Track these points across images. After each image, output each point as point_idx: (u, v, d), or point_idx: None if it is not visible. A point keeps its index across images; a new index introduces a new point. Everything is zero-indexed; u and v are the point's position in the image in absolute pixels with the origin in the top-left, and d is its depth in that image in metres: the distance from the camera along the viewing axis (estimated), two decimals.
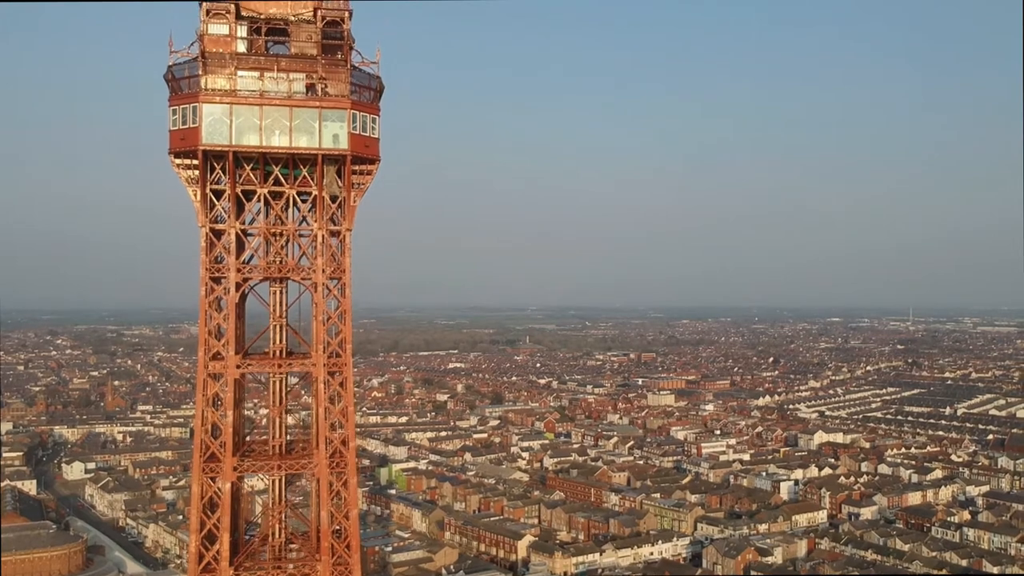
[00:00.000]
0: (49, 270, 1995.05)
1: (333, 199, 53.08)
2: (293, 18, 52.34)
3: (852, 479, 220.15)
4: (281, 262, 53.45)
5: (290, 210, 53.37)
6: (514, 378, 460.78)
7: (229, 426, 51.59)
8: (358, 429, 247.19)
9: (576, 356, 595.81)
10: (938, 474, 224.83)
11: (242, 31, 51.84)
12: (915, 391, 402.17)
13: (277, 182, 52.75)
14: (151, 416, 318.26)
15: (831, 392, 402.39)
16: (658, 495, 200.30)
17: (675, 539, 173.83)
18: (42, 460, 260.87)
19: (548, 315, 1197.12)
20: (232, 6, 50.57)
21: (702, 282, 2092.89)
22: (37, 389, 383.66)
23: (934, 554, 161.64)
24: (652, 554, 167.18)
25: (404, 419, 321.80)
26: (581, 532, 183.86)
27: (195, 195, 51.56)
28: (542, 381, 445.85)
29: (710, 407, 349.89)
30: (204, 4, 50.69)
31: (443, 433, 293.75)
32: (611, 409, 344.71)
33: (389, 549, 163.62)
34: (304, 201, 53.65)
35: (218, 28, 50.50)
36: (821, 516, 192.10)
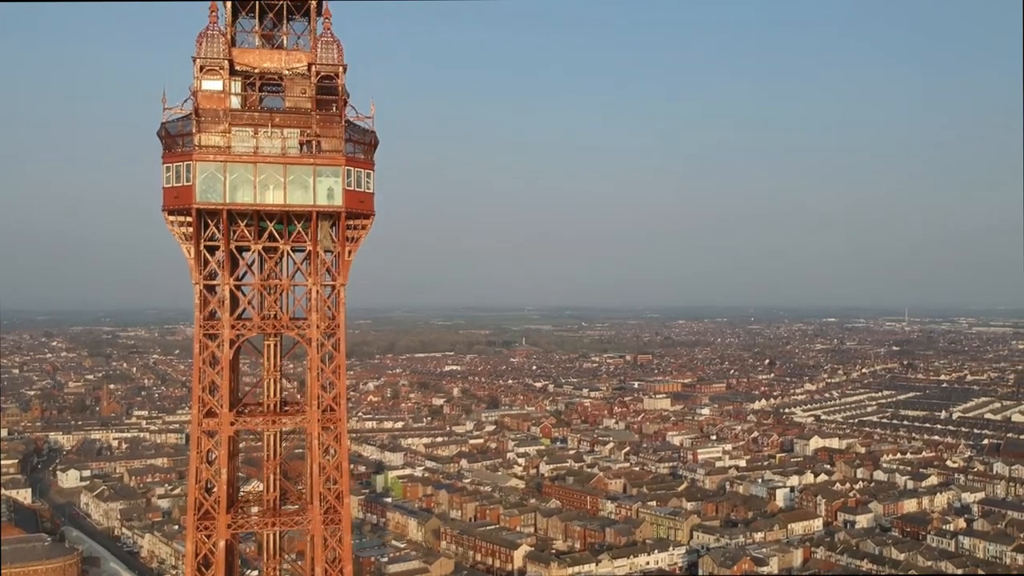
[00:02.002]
0: (48, 270, 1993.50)
1: (327, 254, 52.83)
2: (287, 72, 52.11)
3: (848, 485, 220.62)
4: (276, 316, 53.20)
5: (284, 265, 53.11)
6: (510, 381, 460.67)
7: (223, 484, 51.27)
8: (353, 435, 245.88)
9: (572, 358, 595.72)
10: (933, 480, 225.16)
11: (236, 87, 51.62)
12: (910, 394, 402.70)
13: (271, 238, 52.57)
14: (146, 422, 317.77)
15: (827, 395, 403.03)
16: (654, 503, 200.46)
17: (671, 548, 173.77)
18: (37, 467, 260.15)
19: (545, 315, 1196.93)
20: (226, 62, 50.32)
21: (699, 282, 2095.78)
22: (32, 393, 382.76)
23: (929, 563, 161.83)
24: (648, 564, 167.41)
25: (400, 424, 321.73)
26: (577, 541, 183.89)
27: (189, 252, 51.34)
28: (538, 384, 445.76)
29: (706, 411, 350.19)
30: (198, 60, 50.40)
31: (439, 438, 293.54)
32: (607, 413, 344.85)
33: (385, 560, 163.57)
34: (298, 255, 53.36)
35: (212, 84, 50.29)
36: (817, 524, 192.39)
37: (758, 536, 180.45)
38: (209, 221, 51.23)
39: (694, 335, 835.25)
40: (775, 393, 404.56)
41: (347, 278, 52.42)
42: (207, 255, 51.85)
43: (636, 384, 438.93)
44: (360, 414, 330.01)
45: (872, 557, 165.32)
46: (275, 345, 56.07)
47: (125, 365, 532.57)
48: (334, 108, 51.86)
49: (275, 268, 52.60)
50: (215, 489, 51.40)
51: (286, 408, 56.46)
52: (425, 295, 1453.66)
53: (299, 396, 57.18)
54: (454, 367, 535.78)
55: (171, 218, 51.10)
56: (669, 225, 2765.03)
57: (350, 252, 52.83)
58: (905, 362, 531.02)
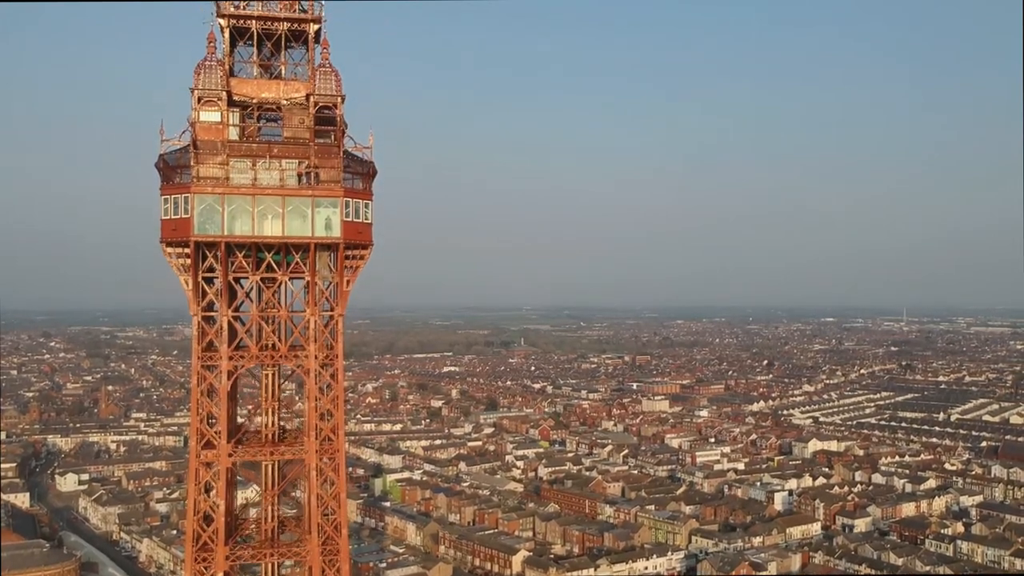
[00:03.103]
0: (48, 270, 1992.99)
1: (325, 284, 52.69)
2: (286, 102, 51.97)
3: (846, 488, 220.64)
4: (273, 347, 53.05)
5: (282, 295, 52.97)
6: (509, 382, 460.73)
7: (221, 515, 51.13)
8: (352, 437, 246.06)
9: (571, 359, 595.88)
10: (932, 484, 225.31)
11: (234, 117, 51.43)
12: (909, 395, 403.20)
13: (269, 268, 52.39)
14: (145, 424, 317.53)
15: (825, 397, 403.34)
16: (652, 507, 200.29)
17: (670, 553, 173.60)
18: (35, 471, 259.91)
19: (543, 315, 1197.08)
20: (224, 93, 50.14)
21: (697, 281, 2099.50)
22: (30, 395, 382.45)
23: (927, 568, 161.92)
24: (647, 568, 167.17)
25: (399, 426, 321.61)
26: (576, 545, 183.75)
27: (187, 283, 51.14)
28: (536, 386, 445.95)
29: (704, 413, 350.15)
30: (196, 91, 50.18)
31: (437, 441, 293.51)
32: (605, 415, 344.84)
33: (384, 565, 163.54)
34: (296, 283, 53.32)
35: (210, 115, 50.07)
36: (815, 528, 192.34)
37: (756, 540, 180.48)
38: (207, 252, 51.00)
39: (692, 335, 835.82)
40: (773, 395, 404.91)
41: (345, 308, 52.36)
42: (205, 286, 51.61)
43: (635, 385, 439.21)
44: (358, 416, 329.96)
45: (870, 562, 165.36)
46: (273, 375, 55.92)
47: (123, 366, 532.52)
48: (332, 138, 51.68)
49: (273, 298, 52.43)
50: (214, 521, 51.27)
51: (285, 436, 56.33)
52: (424, 295, 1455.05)
53: (298, 424, 56.92)
54: (452, 368, 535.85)
55: (169, 249, 50.87)
56: (668, 225, 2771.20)
57: (348, 282, 52.62)
58: (903, 363, 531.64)
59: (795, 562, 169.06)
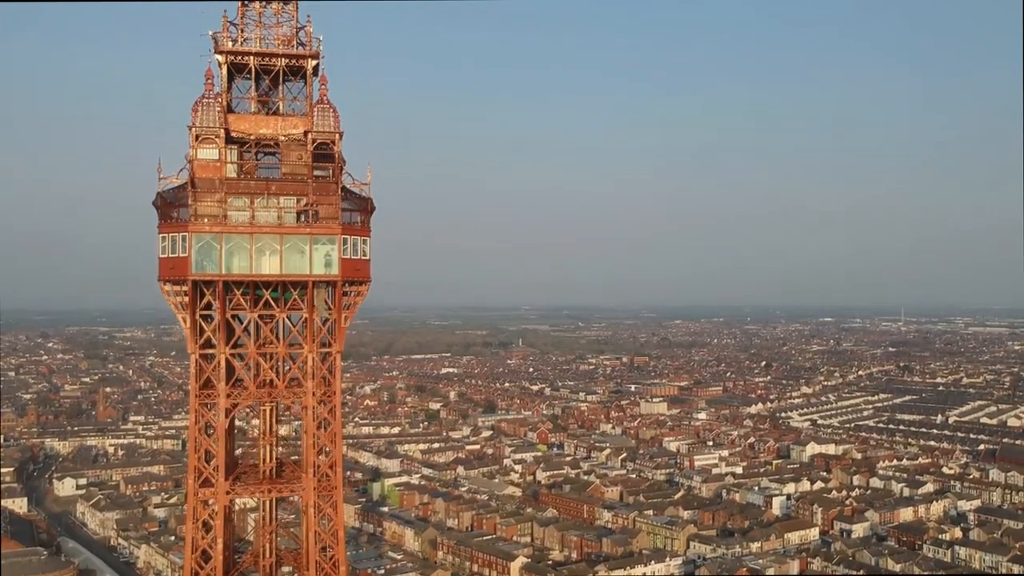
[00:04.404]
0: (48, 270, 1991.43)
1: (323, 321, 52.67)
2: (284, 138, 51.95)
3: (844, 493, 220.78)
4: (271, 383, 53.01)
5: (280, 331, 52.90)
6: (507, 384, 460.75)
7: (219, 553, 51.07)
8: (350, 441, 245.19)
9: (569, 360, 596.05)
10: (929, 488, 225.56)
11: (232, 155, 51.43)
12: (906, 397, 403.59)
13: (267, 305, 52.37)
14: (143, 427, 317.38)
15: (823, 399, 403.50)
16: (651, 512, 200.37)
17: (668, 559, 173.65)
18: (33, 475, 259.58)
19: (542, 315, 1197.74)
20: (222, 131, 50.11)
21: (696, 281, 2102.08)
22: (28, 397, 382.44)
23: (925, 574, 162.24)
24: (645, 575, 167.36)
25: (396, 429, 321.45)
26: (574, 551, 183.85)
27: (184, 321, 51.13)
28: (535, 387, 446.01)
29: (703, 416, 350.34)
30: (193, 129, 50.10)
31: (436, 444, 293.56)
32: (604, 418, 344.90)
33: (382, 572, 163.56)
34: (294, 323, 53.39)
35: (208, 153, 50.04)
36: (813, 533, 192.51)
37: (754, 546, 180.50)
38: (205, 290, 50.98)
39: (691, 335, 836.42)
40: (771, 397, 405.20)
41: (343, 344, 52.35)
42: (203, 324, 51.60)
43: (633, 387, 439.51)
44: (357, 419, 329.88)
45: (868, 568, 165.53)
46: (271, 410, 55.92)
47: (121, 367, 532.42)
48: (331, 174, 51.71)
49: (271, 334, 52.37)
50: (212, 558, 51.20)
51: (282, 471, 56.18)
52: (423, 294, 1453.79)
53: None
54: (451, 369, 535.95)
55: (167, 287, 50.92)
56: (667, 225, 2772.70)
57: (346, 319, 52.61)
58: (901, 364, 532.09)
59: (793, 568, 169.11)
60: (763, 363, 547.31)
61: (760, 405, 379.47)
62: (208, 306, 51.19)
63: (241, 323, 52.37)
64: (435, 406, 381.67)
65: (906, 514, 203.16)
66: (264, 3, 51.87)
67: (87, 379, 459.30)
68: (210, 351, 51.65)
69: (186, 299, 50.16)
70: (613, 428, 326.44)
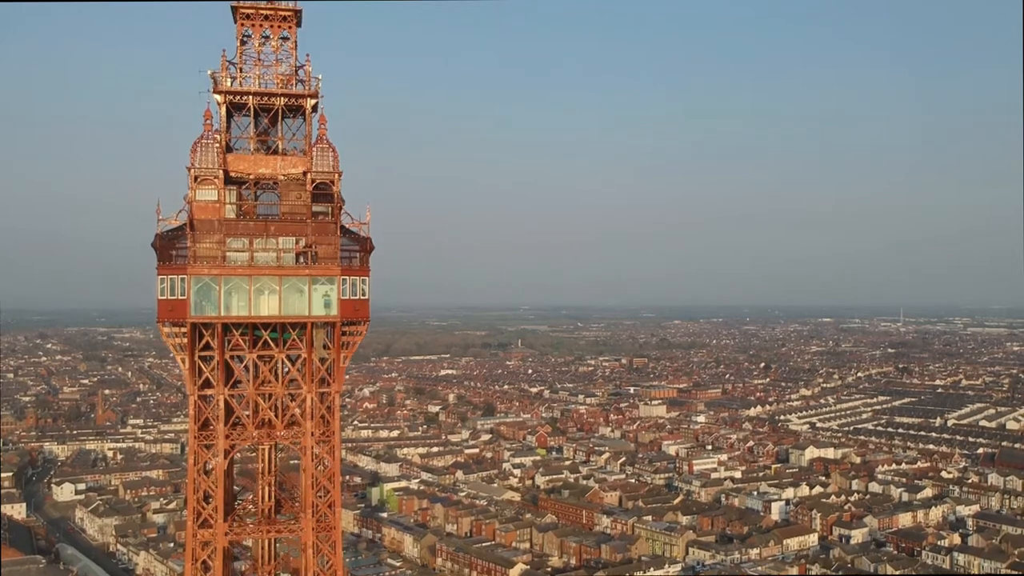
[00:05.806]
0: (47, 270, 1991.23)
1: (322, 361, 52.71)
2: (283, 177, 51.98)
3: (843, 498, 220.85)
4: (270, 423, 53.00)
5: (278, 371, 52.86)
6: (506, 386, 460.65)
7: None
8: (349, 444, 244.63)
9: (568, 361, 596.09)
10: (928, 492, 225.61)
11: (231, 195, 51.47)
12: (905, 400, 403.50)
13: (266, 345, 52.39)
14: (142, 431, 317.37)
15: (822, 401, 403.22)
16: (650, 517, 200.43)
17: (667, 565, 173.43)
18: (32, 479, 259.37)
19: (540, 315, 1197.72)
20: (221, 172, 50.19)
21: (695, 281, 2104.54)
22: (27, 399, 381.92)
23: None
24: None
25: (395, 433, 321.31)
26: (573, 557, 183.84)
27: (184, 363, 51.12)
28: (534, 390, 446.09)
29: (701, 418, 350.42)
30: (192, 170, 50.13)
31: (435, 448, 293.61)
32: (603, 421, 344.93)
33: None
34: (293, 362, 53.53)
35: (206, 194, 50.12)
36: (812, 539, 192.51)
37: (753, 552, 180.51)
38: (204, 332, 51.02)
39: (690, 336, 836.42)
40: (770, 399, 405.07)
41: (342, 384, 52.31)
42: (202, 365, 51.61)
43: (632, 389, 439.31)
44: (356, 422, 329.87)
45: (867, 575, 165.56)
46: (269, 450, 55.93)
47: (120, 369, 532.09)
48: (330, 214, 51.75)
49: (269, 375, 52.40)
50: None
51: (280, 510, 56.06)
52: (422, 294, 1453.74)
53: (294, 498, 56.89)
54: (450, 371, 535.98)
55: (166, 329, 50.91)
56: (666, 224, 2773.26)
57: (345, 358, 52.63)
58: (900, 366, 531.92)
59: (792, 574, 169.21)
60: (762, 364, 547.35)
61: (759, 408, 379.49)
62: (207, 347, 51.20)
63: (240, 363, 52.45)
64: (434, 409, 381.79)
65: (905, 519, 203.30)
66: (263, 41, 51.82)
67: (86, 381, 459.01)
68: (209, 392, 51.64)
69: (185, 340, 50.16)
70: (612, 431, 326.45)
